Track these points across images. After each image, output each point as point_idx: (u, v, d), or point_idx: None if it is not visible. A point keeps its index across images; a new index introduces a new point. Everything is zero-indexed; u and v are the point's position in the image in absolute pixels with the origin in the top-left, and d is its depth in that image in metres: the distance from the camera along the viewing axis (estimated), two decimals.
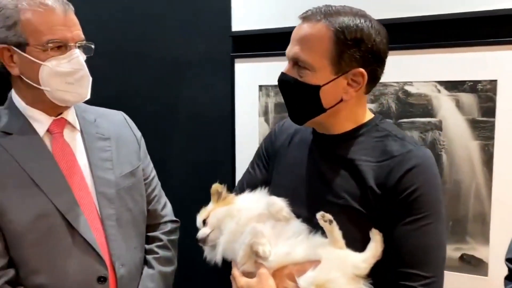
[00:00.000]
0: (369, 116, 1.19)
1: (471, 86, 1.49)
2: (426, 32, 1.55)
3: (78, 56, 1.24)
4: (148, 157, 1.51)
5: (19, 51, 1.20)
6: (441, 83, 1.54)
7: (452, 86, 1.52)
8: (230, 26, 1.89)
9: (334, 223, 1.06)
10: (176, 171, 2.09)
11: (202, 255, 1.23)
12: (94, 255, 1.24)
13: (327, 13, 1.10)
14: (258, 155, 1.36)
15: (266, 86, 1.85)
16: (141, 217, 1.41)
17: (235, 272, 1.13)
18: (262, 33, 1.83)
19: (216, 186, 1.23)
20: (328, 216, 1.06)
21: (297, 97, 1.13)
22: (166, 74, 2.09)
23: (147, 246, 1.42)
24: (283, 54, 1.76)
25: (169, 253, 1.44)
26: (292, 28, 1.72)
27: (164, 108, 2.10)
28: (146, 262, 1.40)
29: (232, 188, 1.79)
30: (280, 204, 1.14)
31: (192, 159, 2.06)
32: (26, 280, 1.20)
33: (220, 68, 1.95)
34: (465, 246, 1.52)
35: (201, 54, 1.99)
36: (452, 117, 1.53)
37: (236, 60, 1.90)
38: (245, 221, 1.14)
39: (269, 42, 1.84)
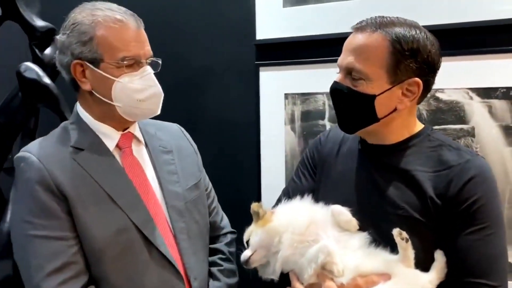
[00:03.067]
0: (419, 126, 1.20)
1: (504, 93, 1.50)
2: (458, 39, 1.55)
3: (150, 73, 1.24)
4: (204, 169, 1.49)
5: (93, 67, 1.19)
6: (473, 89, 1.54)
7: (485, 92, 1.53)
8: (254, 34, 1.88)
9: (410, 242, 1.05)
10: None
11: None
12: (171, 269, 1.22)
13: (382, 23, 1.11)
14: (303, 163, 1.36)
15: (292, 94, 1.84)
16: (206, 229, 1.40)
17: (297, 285, 1.11)
18: (286, 41, 1.83)
19: (253, 206, 1.22)
20: (405, 234, 1.05)
21: (350, 106, 1.13)
22: (189, 82, 2.07)
23: (210, 259, 1.41)
24: (309, 62, 1.81)
25: (232, 265, 1.42)
26: (317, 36, 1.76)
27: (188, 116, 2.06)
28: (210, 275, 1.38)
29: (258, 200, 1.77)
30: (348, 214, 1.13)
31: (217, 169, 2.03)
32: None
33: (244, 76, 1.94)
34: None
35: (225, 62, 1.98)
36: (485, 124, 1.53)
37: (260, 68, 1.89)
38: (302, 229, 1.13)
39: (294, 50, 1.84)
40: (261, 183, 1.91)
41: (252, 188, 1.92)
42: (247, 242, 1.20)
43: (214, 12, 1.99)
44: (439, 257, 1.09)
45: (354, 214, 1.14)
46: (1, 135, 1.89)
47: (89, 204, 1.17)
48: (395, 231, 1.06)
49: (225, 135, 2.01)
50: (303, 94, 1.82)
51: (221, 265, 1.40)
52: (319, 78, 1.77)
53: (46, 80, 1.69)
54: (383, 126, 1.14)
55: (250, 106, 1.92)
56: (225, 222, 1.51)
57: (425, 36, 1.10)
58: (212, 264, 1.41)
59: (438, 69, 1.14)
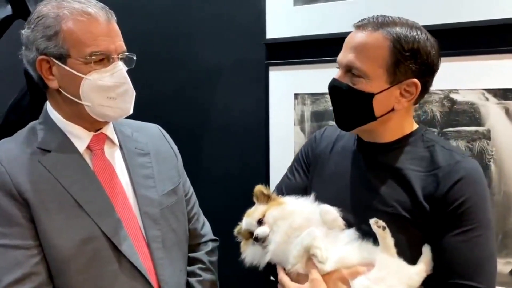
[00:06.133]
0: (414, 126, 1.21)
1: None
2: (474, 38, 1.49)
3: (122, 69, 1.15)
4: (185, 172, 1.42)
5: (59, 63, 1.11)
6: (489, 90, 1.49)
7: (501, 94, 1.47)
8: (264, 33, 1.85)
9: (387, 229, 1.07)
10: (208, 182, 2.06)
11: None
12: (142, 281, 1.15)
13: (384, 23, 1.12)
14: (297, 160, 1.36)
15: (302, 95, 1.81)
16: (184, 237, 1.32)
17: (284, 278, 1.13)
18: (297, 41, 1.80)
19: (260, 187, 1.23)
20: (382, 223, 1.07)
21: (348, 104, 1.14)
22: (199, 82, 2.06)
23: (189, 268, 1.33)
24: (319, 62, 1.77)
25: (213, 276, 1.36)
26: (327, 35, 1.72)
27: (196, 116, 2.07)
28: (188, 286, 1.31)
29: None
30: (334, 213, 1.14)
31: (225, 170, 2.02)
32: None
33: (254, 76, 1.91)
34: None
35: (235, 61, 1.96)
36: (501, 126, 1.48)
37: (270, 67, 1.86)
38: (299, 223, 1.14)
39: (304, 50, 1.81)
40: (270, 183, 1.88)
41: None
42: (259, 220, 1.18)
43: (224, 11, 1.97)
44: (426, 251, 1.10)
45: (344, 211, 1.15)
46: (12, 133, 1.90)
47: (53, 211, 1.09)
48: (372, 221, 1.07)
49: (234, 135, 1.99)
50: (313, 94, 1.78)
51: (200, 276, 1.33)
52: (329, 78, 1.70)
53: None
54: (379, 124, 1.15)
55: (260, 106, 1.90)
56: (206, 229, 1.44)
57: (425, 38, 1.11)
58: (190, 274, 1.33)
59: (437, 71, 1.15)
